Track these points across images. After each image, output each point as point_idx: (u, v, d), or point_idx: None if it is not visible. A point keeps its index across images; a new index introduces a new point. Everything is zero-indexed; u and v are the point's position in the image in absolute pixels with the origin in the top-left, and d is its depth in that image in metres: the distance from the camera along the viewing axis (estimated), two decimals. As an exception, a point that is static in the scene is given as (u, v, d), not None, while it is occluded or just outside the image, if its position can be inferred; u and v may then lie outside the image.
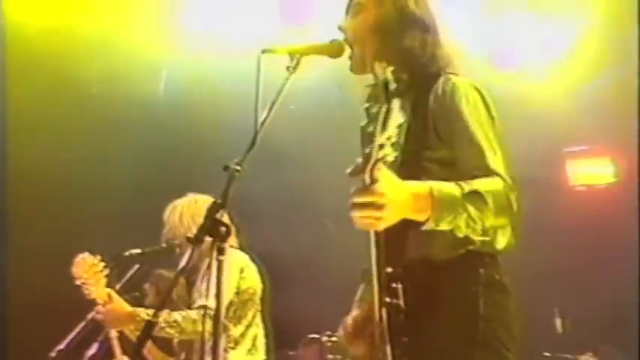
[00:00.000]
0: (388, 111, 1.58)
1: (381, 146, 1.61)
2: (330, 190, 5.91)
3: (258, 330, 3.44)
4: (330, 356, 3.95)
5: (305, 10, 5.62)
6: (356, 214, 1.73)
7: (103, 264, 3.29)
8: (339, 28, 2.16)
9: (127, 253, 3.42)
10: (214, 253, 1.97)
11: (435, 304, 1.95)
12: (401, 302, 1.86)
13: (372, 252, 1.83)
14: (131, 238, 5.36)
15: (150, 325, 1.96)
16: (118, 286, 3.35)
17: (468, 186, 1.84)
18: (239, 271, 3.36)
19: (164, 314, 3.15)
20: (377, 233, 1.82)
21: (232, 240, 3.46)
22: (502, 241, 2.03)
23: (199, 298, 3.26)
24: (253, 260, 3.47)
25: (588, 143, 6.45)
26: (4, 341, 4.95)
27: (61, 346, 3.27)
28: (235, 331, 3.40)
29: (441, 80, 1.99)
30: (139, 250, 3.43)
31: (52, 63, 5.23)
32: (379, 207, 1.70)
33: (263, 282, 3.50)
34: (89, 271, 3.22)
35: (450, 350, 1.93)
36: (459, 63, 2.11)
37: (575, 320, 5.77)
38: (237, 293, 3.33)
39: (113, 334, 3.83)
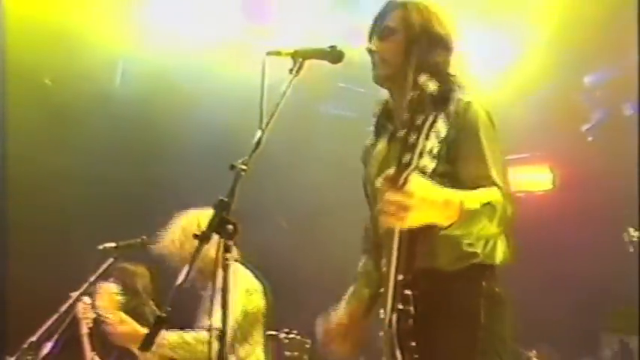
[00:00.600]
0: (433, 122, 1.65)
1: (421, 155, 1.68)
2: (284, 191, 6.05)
3: (261, 348, 3.50)
4: (287, 353, 4.00)
5: (268, 8, 5.66)
6: (383, 208, 1.78)
7: (118, 289, 3.33)
8: (369, 50, 2.27)
9: (101, 247, 3.42)
10: (221, 252, 2.00)
11: (440, 312, 2.06)
12: (411, 308, 1.95)
13: (393, 258, 1.90)
14: (77, 229, 5.39)
15: (160, 321, 1.98)
16: (92, 279, 3.37)
17: (485, 198, 1.96)
18: (245, 292, 3.38)
19: (175, 335, 3.18)
20: (400, 241, 1.90)
21: (235, 253, 3.52)
22: (500, 254, 2.19)
23: (206, 317, 3.24)
24: (257, 277, 3.48)
25: (529, 151, 6.64)
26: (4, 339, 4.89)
27: (33, 338, 3.28)
28: (242, 351, 3.43)
29: (455, 98, 2.08)
30: (113, 244, 3.43)
31: (6, 51, 5.17)
32: (405, 207, 1.76)
33: (267, 299, 3.52)
34: (107, 301, 3.27)
35: (452, 356, 2.06)
36: (467, 80, 2.24)
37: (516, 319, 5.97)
38: (245, 314, 3.35)
39: (84, 330, 3.84)
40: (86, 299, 3.94)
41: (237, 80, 5.73)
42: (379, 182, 1.77)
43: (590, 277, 5.76)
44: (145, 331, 3.15)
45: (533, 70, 5.78)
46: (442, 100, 1.66)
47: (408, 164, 1.69)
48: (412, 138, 1.67)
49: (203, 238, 2.01)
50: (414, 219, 1.79)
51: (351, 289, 2.40)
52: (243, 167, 2.12)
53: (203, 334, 3.18)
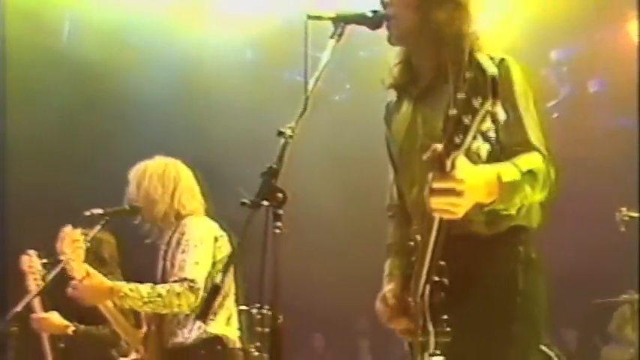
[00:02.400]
0: (492, 106, 1.57)
1: (475, 137, 1.62)
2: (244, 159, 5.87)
3: (232, 299, 3.34)
4: (258, 328, 3.89)
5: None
6: (435, 201, 1.72)
7: (84, 237, 3.10)
8: (382, 2, 2.17)
9: (87, 213, 3.21)
10: (270, 220, 1.91)
11: (475, 278, 2.01)
12: (445, 280, 1.90)
13: (433, 232, 1.85)
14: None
15: (216, 289, 1.90)
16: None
17: (524, 166, 1.91)
18: (214, 241, 3.21)
19: (147, 288, 3.00)
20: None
21: (201, 208, 3.31)
22: (536, 217, 2.13)
23: (177, 269, 3.08)
24: (223, 228, 3.32)
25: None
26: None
27: (18, 308, 3.12)
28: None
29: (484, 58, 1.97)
30: (100, 210, 3.23)
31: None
32: (459, 193, 1.71)
33: (232, 247, 3.29)
34: (72, 246, 3.04)
35: (488, 323, 2.00)
36: (488, 39, 2.15)
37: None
38: (214, 263, 3.17)
39: (32, 287, 3.62)
40: (31, 252, 3.68)
41: (193, 39, 5.52)
42: (425, 156, 1.70)
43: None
44: (109, 283, 3.01)
45: (498, 45, 5.69)
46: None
47: (459, 146, 1.64)
48: (467, 118, 1.60)
49: (253, 205, 1.91)
50: (465, 207, 1.75)
51: (387, 264, 2.31)
52: (291, 133, 1.99)
53: (176, 286, 3.02)
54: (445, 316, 1.91)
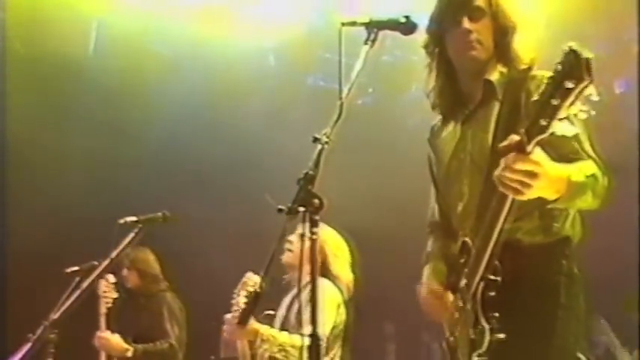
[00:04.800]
0: (586, 87, 1.59)
1: (560, 120, 1.64)
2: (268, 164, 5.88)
3: None
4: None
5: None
6: (507, 176, 1.73)
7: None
8: (457, 30, 2.21)
9: (121, 221, 3.26)
10: (307, 226, 1.93)
11: (520, 287, 2.01)
12: (499, 279, 1.93)
13: (497, 228, 1.87)
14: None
15: (257, 297, 1.95)
16: (114, 254, 3.19)
17: (587, 170, 1.93)
18: (337, 307, 3.36)
19: (285, 336, 3.16)
20: (509, 210, 1.86)
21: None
22: (579, 230, 2.15)
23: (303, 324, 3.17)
24: (340, 291, 3.44)
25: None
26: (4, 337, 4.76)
27: (55, 315, 3.10)
28: None
29: (537, 73, 2.09)
30: (134, 218, 3.27)
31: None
32: (533, 175, 1.72)
33: (347, 313, 3.48)
34: (246, 291, 3.08)
35: (528, 334, 2.01)
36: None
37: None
38: (332, 328, 3.32)
39: (103, 309, 3.78)
40: (110, 277, 3.83)
41: (218, 45, 5.56)
42: (501, 145, 1.72)
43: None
44: (257, 326, 3.07)
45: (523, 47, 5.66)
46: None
47: (544, 128, 1.64)
48: (556, 101, 1.60)
49: (290, 212, 1.94)
50: (535, 191, 1.75)
51: (427, 268, 2.35)
52: (326, 140, 2.02)
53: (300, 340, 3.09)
54: (496, 314, 1.92)
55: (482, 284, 1.94)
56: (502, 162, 1.73)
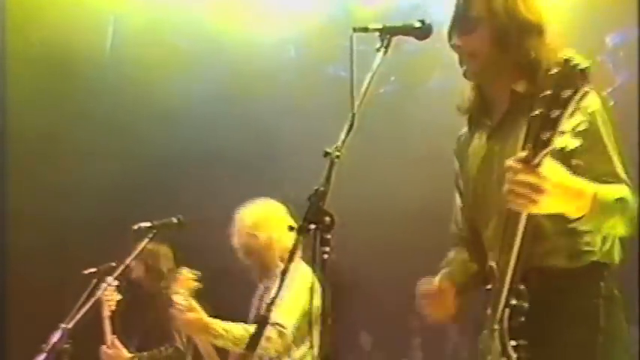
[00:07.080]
0: (583, 97, 1.54)
1: (562, 133, 1.59)
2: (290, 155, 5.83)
3: (315, 350, 3.34)
4: None
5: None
6: (512, 190, 1.68)
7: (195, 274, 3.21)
8: (453, 47, 2.13)
9: (135, 227, 3.26)
10: (317, 245, 1.88)
11: (554, 313, 1.94)
12: (525, 304, 1.84)
13: (515, 249, 1.80)
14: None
15: (264, 321, 1.92)
16: (128, 260, 3.22)
17: (617, 193, 1.86)
18: (309, 290, 3.27)
19: (240, 329, 3.09)
20: (525, 230, 1.79)
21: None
22: (618, 252, 2.05)
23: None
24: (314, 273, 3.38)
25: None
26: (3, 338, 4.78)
27: (69, 325, 3.16)
28: (297, 352, 3.32)
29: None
30: (148, 223, 3.27)
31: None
32: (539, 190, 1.66)
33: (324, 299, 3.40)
34: (185, 285, 3.18)
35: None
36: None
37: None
38: (304, 313, 3.22)
39: (106, 312, 3.72)
40: (110, 280, 3.77)
41: (237, 38, 5.49)
42: (510, 161, 1.67)
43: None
44: (207, 320, 3.10)
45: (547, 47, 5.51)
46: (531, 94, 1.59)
47: (547, 143, 1.60)
48: (555, 113, 1.56)
49: (301, 230, 1.89)
50: (546, 205, 1.69)
51: (444, 270, 2.25)
52: (337, 153, 1.96)
53: (268, 330, 3.03)
54: (525, 342, 1.83)
55: (507, 311, 1.84)
56: (506, 176, 1.69)
